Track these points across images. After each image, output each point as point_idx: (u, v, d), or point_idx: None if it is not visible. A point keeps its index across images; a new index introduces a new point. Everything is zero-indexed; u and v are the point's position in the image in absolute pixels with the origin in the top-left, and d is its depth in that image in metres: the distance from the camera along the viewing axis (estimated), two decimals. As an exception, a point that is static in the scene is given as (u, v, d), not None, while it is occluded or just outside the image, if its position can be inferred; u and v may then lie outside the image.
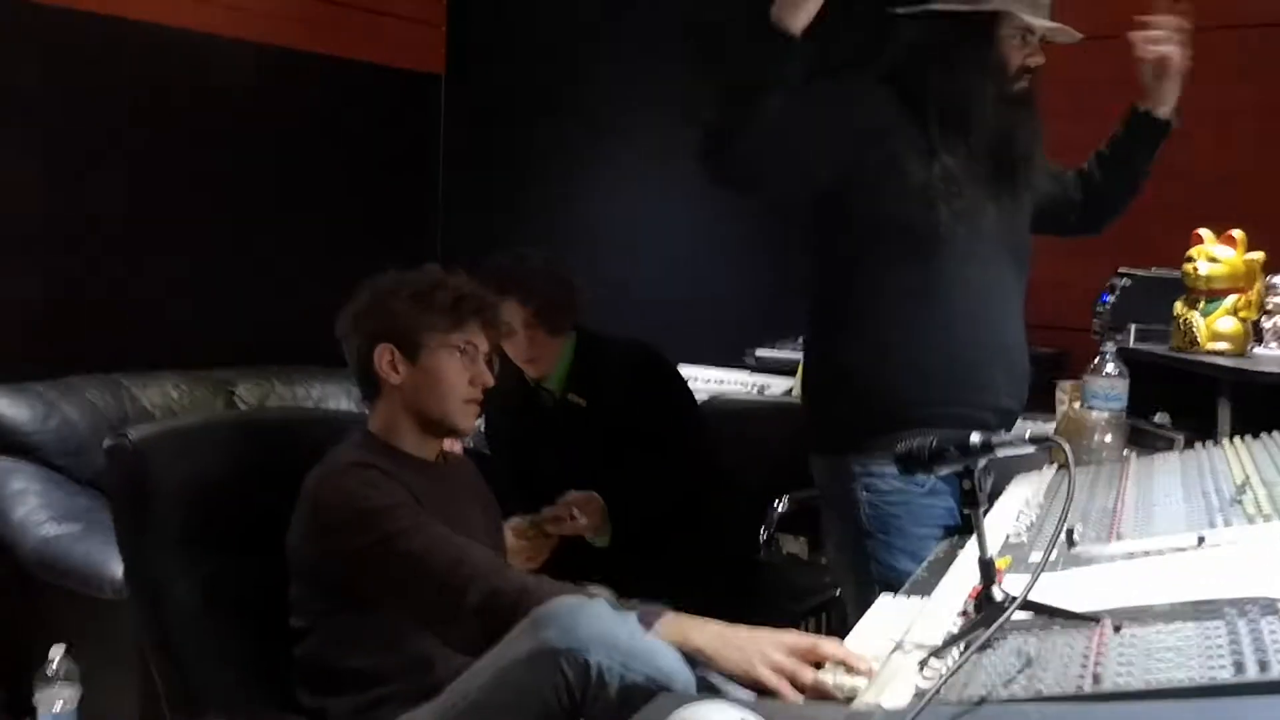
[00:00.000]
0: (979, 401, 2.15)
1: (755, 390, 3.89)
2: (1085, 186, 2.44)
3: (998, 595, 1.25)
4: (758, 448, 3.14)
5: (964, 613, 1.34)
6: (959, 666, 1.13)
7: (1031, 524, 1.75)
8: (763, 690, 1.39)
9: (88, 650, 2.68)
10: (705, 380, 3.91)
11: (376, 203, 4.75)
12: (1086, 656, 1.10)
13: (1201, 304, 2.56)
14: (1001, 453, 1.30)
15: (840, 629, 2.19)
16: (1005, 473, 2.20)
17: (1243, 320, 2.54)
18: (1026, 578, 1.22)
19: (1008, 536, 1.70)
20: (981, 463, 1.30)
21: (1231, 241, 2.56)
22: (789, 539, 3.60)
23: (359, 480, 1.80)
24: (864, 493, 2.13)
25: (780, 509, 3.09)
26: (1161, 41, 2.25)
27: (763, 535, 3.09)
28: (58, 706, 2.32)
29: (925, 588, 1.63)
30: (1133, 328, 2.82)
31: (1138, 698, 1.01)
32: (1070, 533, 1.57)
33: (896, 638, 1.35)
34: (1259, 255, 2.56)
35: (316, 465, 1.87)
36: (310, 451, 1.91)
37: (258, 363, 4.23)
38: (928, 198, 2.08)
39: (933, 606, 1.48)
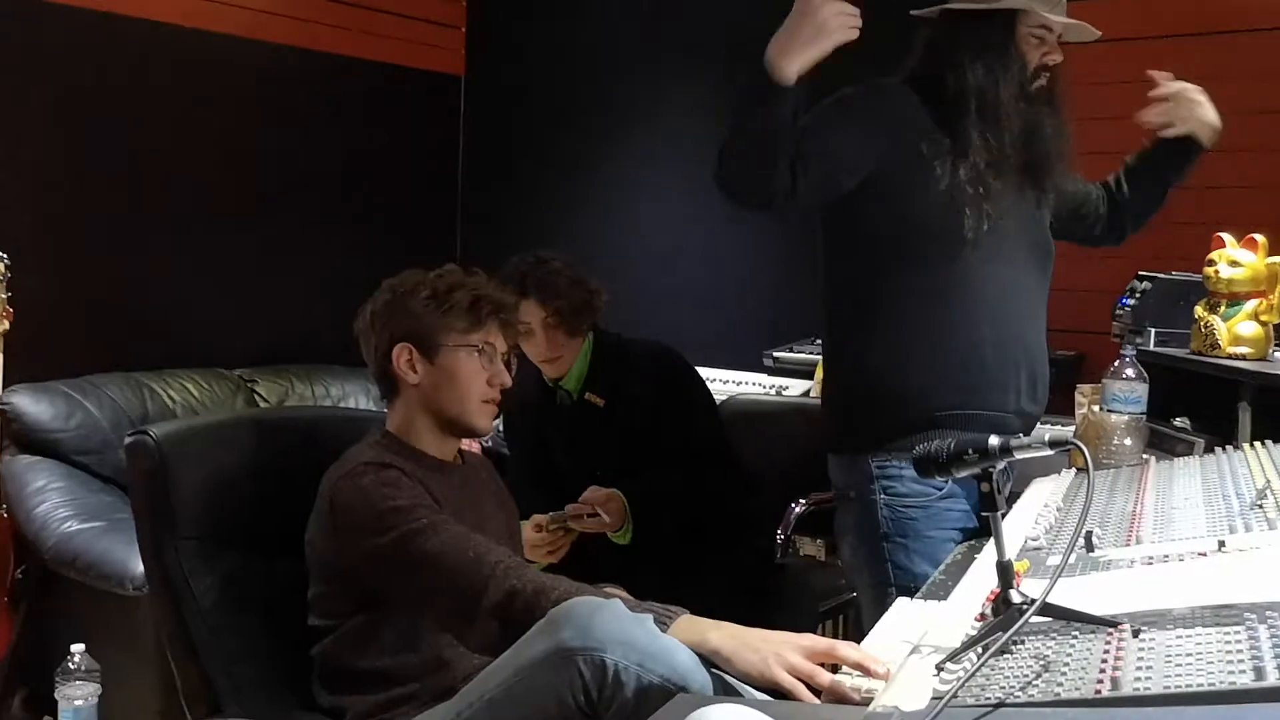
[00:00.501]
0: (1001, 403, 2.14)
1: (773, 392, 3.89)
2: (1110, 200, 2.43)
3: (1016, 598, 1.24)
4: (775, 449, 3.13)
5: (982, 616, 1.34)
6: (976, 669, 1.12)
7: (1050, 527, 1.75)
8: (779, 692, 1.39)
9: (108, 646, 2.69)
10: (723, 382, 3.91)
11: (396, 202, 4.77)
12: (1105, 661, 1.10)
13: (1222, 308, 2.55)
14: (1020, 456, 1.30)
15: (857, 631, 2.19)
16: (1024, 476, 2.19)
17: (1264, 324, 2.52)
18: (1045, 581, 1.21)
19: (1026, 540, 1.69)
20: (1000, 465, 1.30)
21: (1253, 245, 2.55)
22: (806, 540, 3.60)
23: (377, 480, 1.80)
24: (882, 495, 2.12)
25: (798, 510, 3.08)
26: (1169, 111, 2.27)
27: (780, 537, 3.09)
28: (78, 702, 2.33)
29: (942, 591, 1.63)
30: (1152, 331, 2.81)
31: (1156, 703, 1.00)
32: (1089, 536, 1.57)
33: (913, 640, 1.34)
34: (1281, 259, 2.56)
35: (334, 464, 1.88)
36: (330, 450, 1.92)
37: (278, 361, 4.25)
38: (953, 198, 2.08)
39: (950, 609, 1.48)
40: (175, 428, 1.98)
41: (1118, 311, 3.02)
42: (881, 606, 1.61)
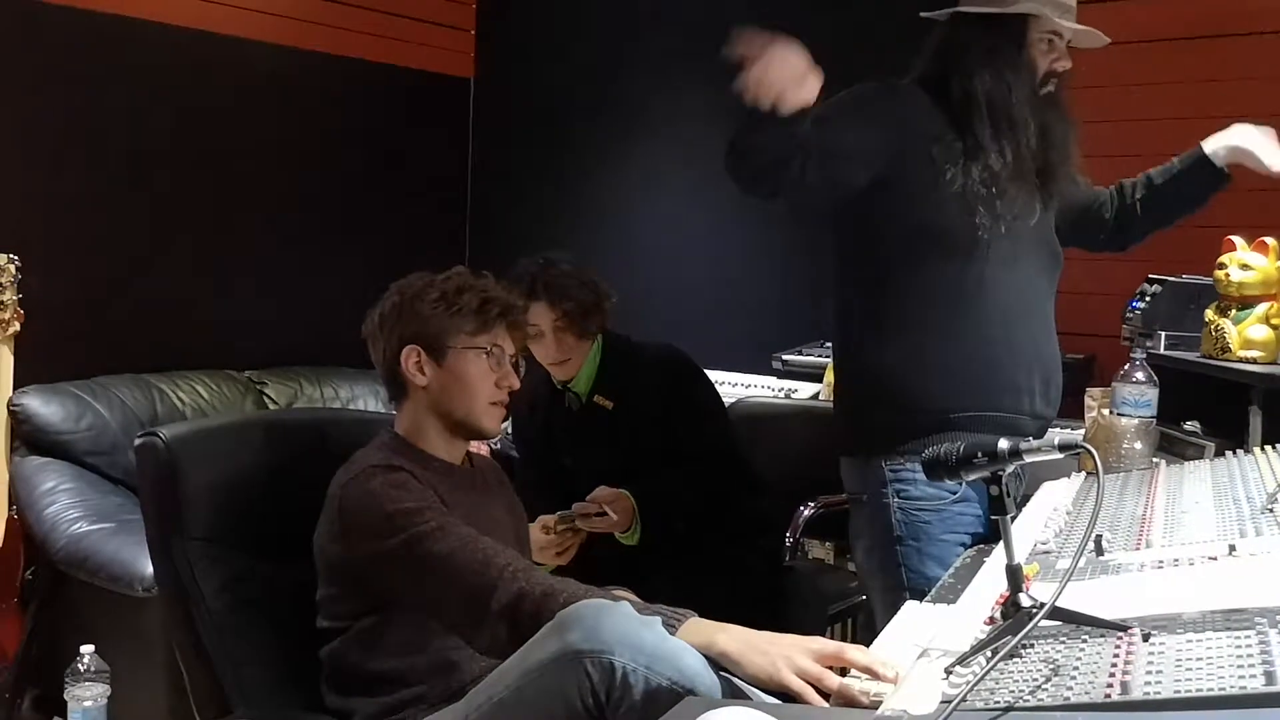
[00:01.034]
0: (1015, 406, 2.14)
1: (782, 394, 3.89)
2: (1118, 206, 2.41)
3: (1025, 602, 1.24)
4: (784, 451, 3.13)
5: (991, 619, 1.33)
6: (986, 673, 1.12)
7: (1060, 531, 1.74)
8: (788, 695, 1.39)
9: (118, 647, 2.70)
10: (731, 385, 3.90)
11: (406, 205, 4.78)
12: (1115, 665, 1.10)
13: (1233, 311, 2.55)
14: (1029, 459, 1.30)
15: (866, 634, 2.19)
16: (1033, 479, 2.18)
17: (1275, 328, 2.52)
18: (1054, 585, 1.21)
19: (1036, 543, 1.69)
20: (1009, 469, 1.30)
21: (1264, 249, 2.54)
22: (815, 543, 3.59)
23: (385, 482, 1.80)
24: (895, 498, 2.12)
25: (806, 513, 3.08)
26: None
27: (789, 539, 3.08)
28: (88, 703, 2.34)
29: (951, 594, 1.62)
30: (1163, 334, 2.80)
31: (1166, 707, 1.00)
32: (1099, 540, 1.56)
33: (923, 644, 1.34)
34: (1292, 263, 2.55)
35: (343, 466, 1.88)
36: (340, 452, 1.92)
37: (287, 363, 4.26)
38: (965, 201, 2.08)
39: (959, 613, 1.47)
40: (185, 429, 1.98)
41: (1128, 315, 3.02)
42: (894, 610, 1.60)
